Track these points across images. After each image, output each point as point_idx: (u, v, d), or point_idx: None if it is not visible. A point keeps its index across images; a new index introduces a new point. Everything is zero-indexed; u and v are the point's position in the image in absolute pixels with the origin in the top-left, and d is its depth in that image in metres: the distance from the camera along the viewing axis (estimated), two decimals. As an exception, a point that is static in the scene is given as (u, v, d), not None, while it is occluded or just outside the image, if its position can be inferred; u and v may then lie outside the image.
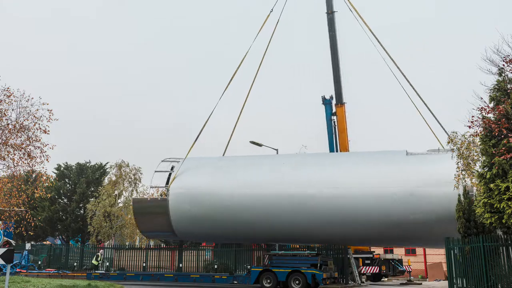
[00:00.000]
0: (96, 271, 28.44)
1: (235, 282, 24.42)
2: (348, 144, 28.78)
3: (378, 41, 24.70)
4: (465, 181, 24.16)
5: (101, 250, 31.77)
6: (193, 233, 23.64)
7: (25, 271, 28.98)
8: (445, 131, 20.81)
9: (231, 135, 25.81)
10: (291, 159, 22.98)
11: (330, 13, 27.90)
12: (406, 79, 23.27)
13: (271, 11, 25.98)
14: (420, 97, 22.51)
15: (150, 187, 23.14)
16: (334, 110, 28.97)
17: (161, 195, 22.55)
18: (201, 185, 22.28)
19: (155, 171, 23.62)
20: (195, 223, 22.31)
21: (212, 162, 24.25)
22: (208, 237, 25.33)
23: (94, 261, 29.96)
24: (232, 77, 25.40)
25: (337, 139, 28.84)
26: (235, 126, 25.56)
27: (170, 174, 22.98)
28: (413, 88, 22.72)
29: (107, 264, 32.07)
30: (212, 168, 23.42)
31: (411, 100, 22.90)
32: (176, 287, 24.06)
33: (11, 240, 30.66)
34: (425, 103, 22.30)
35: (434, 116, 22.27)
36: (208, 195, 21.87)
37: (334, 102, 29.05)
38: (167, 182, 22.63)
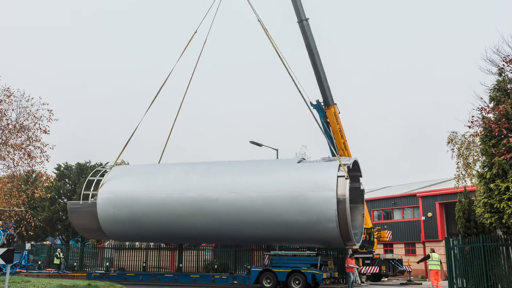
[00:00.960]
0: (96, 272, 28.36)
1: (235, 282, 24.33)
2: (345, 145, 28.65)
3: (276, 49, 25.84)
4: (465, 181, 24.26)
5: (59, 249, 31.95)
6: (120, 233, 25.82)
7: (25, 271, 28.88)
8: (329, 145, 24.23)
9: (166, 142, 27.87)
10: (201, 166, 25.26)
11: (299, 22, 28.43)
12: (298, 88, 24.88)
13: (195, 32, 27.59)
14: (309, 107, 24.53)
15: (83, 192, 25.60)
16: None
17: (92, 199, 25.12)
18: (125, 190, 24.59)
19: (88, 178, 26.43)
20: (120, 225, 24.65)
21: (137, 169, 27.01)
22: (134, 237, 27.47)
23: (56, 261, 30.40)
24: (159, 90, 27.11)
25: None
26: (169, 134, 27.86)
27: (100, 181, 25.43)
28: (303, 97, 24.62)
29: (107, 264, 32.02)
30: (136, 175, 25.99)
31: (310, 109, 24.67)
32: (176, 287, 24.02)
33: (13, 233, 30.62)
34: (312, 112, 24.51)
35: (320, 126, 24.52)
36: (129, 199, 24.14)
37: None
38: (98, 188, 25.22)
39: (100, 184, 25.06)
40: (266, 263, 22.96)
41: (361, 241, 23.66)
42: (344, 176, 20.90)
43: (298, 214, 21.13)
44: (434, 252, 21.20)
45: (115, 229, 25.07)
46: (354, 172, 24.09)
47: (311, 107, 28.82)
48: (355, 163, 23.87)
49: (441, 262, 20.96)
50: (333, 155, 28.95)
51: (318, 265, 21.80)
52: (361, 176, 24.68)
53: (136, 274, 27.06)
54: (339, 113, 28.73)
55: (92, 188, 25.49)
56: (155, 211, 23.56)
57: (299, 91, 24.77)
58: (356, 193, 24.55)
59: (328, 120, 28.44)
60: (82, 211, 25.07)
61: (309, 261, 22.11)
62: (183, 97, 28.00)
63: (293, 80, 24.84)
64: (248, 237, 24.00)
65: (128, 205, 24.07)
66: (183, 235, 24.75)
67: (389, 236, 30.59)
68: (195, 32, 27.54)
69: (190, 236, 24.96)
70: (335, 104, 28.65)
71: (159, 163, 27.68)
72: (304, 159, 24.29)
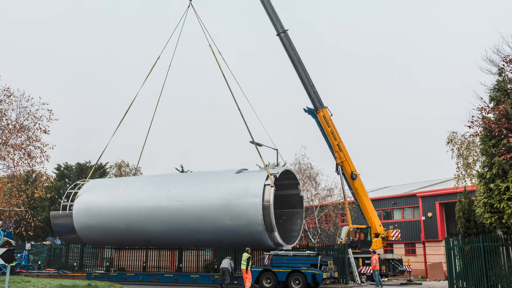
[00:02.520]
0: (96, 272, 28.29)
1: (235, 282, 24.27)
2: (340, 146, 28.65)
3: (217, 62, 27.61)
4: (465, 181, 24.26)
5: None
6: (93, 238, 28.80)
7: (25, 271, 28.83)
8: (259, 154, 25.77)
9: (143, 147, 30.78)
10: (157, 179, 28.85)
11: (278, 34, 28.81)
12: (235, 101, 26.28)
13: (158, 58, 30.08)
14: (243, 119, 25.79)
15: (62, 203, 29.22)
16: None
17: (69, 209, 28.68)
18: (94, 201, 28.00)
19: (68, 191, 29.82)
20: (91, 231, 27.96)
21: (106, 182, 31.26)
22: (104, 242, 29.87)
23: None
24: (130, 106, 30.23)
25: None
26: (145, 140, 30.70)
27: (76, 193, 29.03)
28: (239, 110, 26.00)
29: (107, 264, 31.90)
30: (104, 187, 29.54)
31: (245, 122, 25.95)
32: (176, 287, 24.00)
33: (11, 240, 30.52)
34: (246, 125, 25.82)
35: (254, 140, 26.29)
36: (97, 209, 27.57)
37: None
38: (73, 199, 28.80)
39: (76, 196, 28.64)
40: (266, 263, 22.90)
41: (296, 242, 26.24)
42: (270, 184, 23.57)
43: (230, 219, 23.77)
44: (246, 252, 21.70)
45: (88, 235, 28.31)
46: (290, 180, 26.78)
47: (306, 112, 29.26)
48: (289, 172, 26.45)
49: (247, 262, 21.31)
50: (334, 157, 29.08)
51: (318, 265, 21.78)
52: (298, 184, 27.51)
53: (136, 274, 27.03)
54: (331, 115, 28.93)
55: (70, 199, 29.02)
56: (117, 219, 26.82)
57: (241, 116, 26.30)
58: (297, 199, 27.34)
59: (321, 124, 28.62)
60: (62, 220, 28.64)
61: (309, 261, 22.10)
62: (155, 108, 30.77)
63: (238, 109, 26.34)
64: (193, 241, 26.63)
65: (96, 214, 27.45)
66: (141, 239, 27.58)
67: (396, 236, 30.53)
68: (158, 58, 30.10)
69: (147, 240, 27.69)
70: (326, 107, 28.84)
71: (137, 165, 33.46)
72: (246, 169, 26.51)
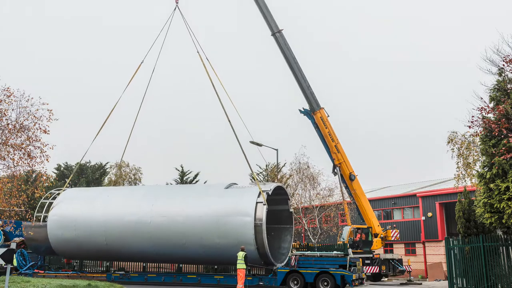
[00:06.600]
0: (117, 272, 27.66)
1: (261, 283, 23.30)
2: (337, 147, 28.61)
3: (206, 70, 26.17)
4: (465, 181, 24.28)
5: None
6: (68, 252, 27.50)
7: (42, 271, 28.13)
8: (250, 167, 24.71)
9: (125, 147, 29.59)
10: (139, 191, 27.95)
11: (273, 34, 28.54)
12: (226, 114, 25.18)
13: (142, 62, 29.21)
14: (233, 129, 24.82)
15: (35, 214, 27.59)
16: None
17: (44, 221, 27.10)
18: (70, 213, 26.46)
19: (41, 201, 28.43)
20: (67, 244, 26.45)
21: (84, 192, 29.50)
22: (80, 256, 28.70)
23: None
24: (113, 108, 29.56)
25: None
26: (126, 146, 29.64)
27: (51, 203, 27.40)
28: (230, 122, 24.93)
29: (107, 264, 31.72)
30: (81, 198, 27.78)
31: (235, 133, 24.86)
32: (179, 287, 23.63)
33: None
34: (236, 137, 24.76)
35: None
36: (74, 222, 26.09)
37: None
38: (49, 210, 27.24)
39: (51, 207, 27.04)
40: (293, 264, 22.23)
41: (287, 260, 24.09)
42: (262, 202, 22.38)
43: (219, 237, 22.65)
44: (242, 250, 20.95)
45: (64, 248, 26.85)
46: (281, 195, 25.57)
47: (302, 114, 29.03)
48: (280, 188, 25.28)
49: (244, 261, 20.73)
50: (331, 158, 29.08)
51: (347, 266, 21.43)
52: (289, 199, 26.38)
53: (158, 275, 26.16)
54: (328, 116, 28.72)
55: (44, 210, 27.59)
56: (96, 233, 25.48)
57: (231, 126, 25.30)
58: (287, 214, 26.08)
59: (318, 125, 28.51)
60: (36, 232, 26.63)
61: (338, 262, 21.72)
62: (138, 111, 30.18)
63: (227, 117, 25.36)
64: (178, 258, 25.62)
65: (73, 227, 26.00)
66: (122, 254, 26.42)
67: (395, 235, 30.52)
68: (141, 62, 29.27)
69: (128, 255, 26.55)
70: (322, 108, 28.65)
71: (121, 159, 32.25)
72: (236, 183, 25.47)
